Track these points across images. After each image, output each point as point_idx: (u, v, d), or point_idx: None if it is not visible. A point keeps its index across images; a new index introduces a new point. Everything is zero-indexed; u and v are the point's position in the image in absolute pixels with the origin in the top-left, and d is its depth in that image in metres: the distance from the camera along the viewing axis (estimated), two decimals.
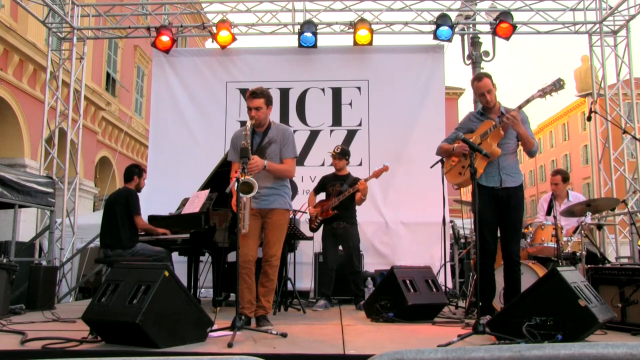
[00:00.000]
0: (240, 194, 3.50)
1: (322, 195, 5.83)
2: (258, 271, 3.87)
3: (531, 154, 4.08)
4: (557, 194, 5.54)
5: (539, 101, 3.97)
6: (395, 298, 4.20)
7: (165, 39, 6.88)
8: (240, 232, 3.62)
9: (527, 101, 3.99)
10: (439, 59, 7.24)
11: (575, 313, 2.99)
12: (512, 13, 6.65)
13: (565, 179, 5.64)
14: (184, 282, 4.54)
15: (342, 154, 5.72)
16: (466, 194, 6.50)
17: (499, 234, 4.13)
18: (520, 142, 4.11)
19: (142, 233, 5.17)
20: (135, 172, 5.26)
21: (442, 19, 6.71)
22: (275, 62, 7.32)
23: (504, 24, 6.58)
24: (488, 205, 4.01)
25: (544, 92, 3.87)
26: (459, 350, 1.55)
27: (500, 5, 6.87)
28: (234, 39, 6.89)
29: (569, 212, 4.93)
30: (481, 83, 4.11)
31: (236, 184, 3.50)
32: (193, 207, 4.97)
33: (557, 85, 3.81)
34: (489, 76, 4.13)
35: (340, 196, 5.47)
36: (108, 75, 14.40)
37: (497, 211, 4.05)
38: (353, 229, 5.60)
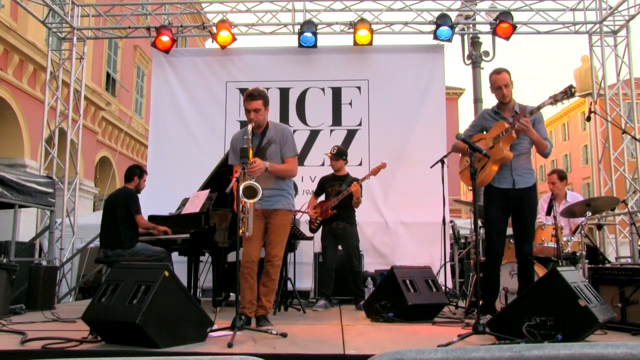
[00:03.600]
0: (245, 199, 3.49)
1: (322, 198, 5.82)
2: (259, 271, 3.87)
3: (545, 155, 4.09)
4: (556, 193, 5.53)
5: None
6: (395, 298, 4.20)
7: (165, 39, 6.88)
8: (244, 236, 3.62)
9: (539, 108, 3.98)
10: (439, 58, 7.24)
11: (575, 313, 2.99)
12: (512, 13, 6.65)
13: (562, 177, 5.59)
14: (184, 282, 4.54)
15: (339, 155, 5.70)
16: (466, 194, 6.48)
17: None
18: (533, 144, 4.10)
19: (143, 233, 5.17)
20: (136, 172, 5.28)
21: (442, 19, 6.71)
22: (275, 62, 7.32)
23: (504, 24, 6.58)
24: (499, 206, 4.02)
25: (555, 100, 3.83)
26: (459, 350, 1.55)
27: (500, 5, 6.87)
28: (234, 39, 6.89)
29: (569, 212, 4.93)
30: (500, 76, 4.09)
31: (236, 183, 3.50)
32: (193, 207, 4.97)
33: (569, 92, 3.75)
34: (508, 71, 4.13)
35: (340, 196, 5.46)
36: (108, 75, 14.40)
37: (509, 211, 4.06)
38: (352, 229, 5.59)
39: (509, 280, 4.44)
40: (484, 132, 4.18)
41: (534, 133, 3.96)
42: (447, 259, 5.78)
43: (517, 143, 4.04)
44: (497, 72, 4.14)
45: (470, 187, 4.42)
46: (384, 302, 4.25)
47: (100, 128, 13.69)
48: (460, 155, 4.33)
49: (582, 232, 4.72)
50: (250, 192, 3.48)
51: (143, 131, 15.80)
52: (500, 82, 4.09)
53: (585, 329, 3.03)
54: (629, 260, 6.41)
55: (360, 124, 7.14)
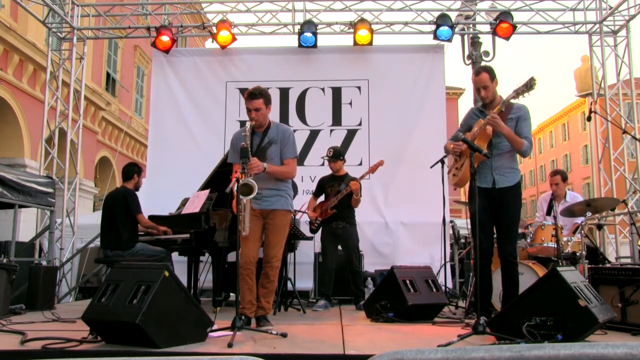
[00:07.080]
0: (240, 196, 3.49)
1: (322, 198, 5.81)
2: (259, 271, 3.87)
3: (522, 154, 3.97)
4: (557, 194, 5.53)
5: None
6: (395, 298, 4.20)
7: (165, 39, 6.88)
8: (241, 234, 3.62)
9: (503, 103, 3.90)
10: (439, 58, 7.23)
11: (575, 313, 2.99)
12: (512, 13, 6.66)
13: (565, 178, 5.62)
14: (184, 282, 4.54)
15: (335, 157, 5.67)
16: (466, 194, 6.48)
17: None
18: None
19: (142, 233, 5.16)
20: (135, 170, 5.26)
21: (442, 19, 6.71)
22: (275, 62, 7.32)
23: (504, 24, 6.58)
24: (482, 205, 3.95)
25: (517, 93, 3.79)
26: (459, 350, 1.55)
27: (500, 5, 6.88)
28: (234, 39, 6.89)
29: (569, 212, 4.93)
30: (477, 77, 4.01)
31: (236, 184, 3.50)
32: (193, 207, 4.97)
33: (529, 85, 3.72)
34: (488, 70, 4.02)
35: (339, 195, 5.46)
36: (108, 75, 14.40)
37: (493, 211, 3.97)
38: (352, 229, 5.59)
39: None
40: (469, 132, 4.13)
41: (504, 127, 3.83)
42: (447, 259, 5.78)
43: (499, 142, 3.93)
44: (476, 73, 4.05)
45: (453, 186, 4.41)
46: (384, 302, 4.25)
47: (100, 128, 13.69)
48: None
49: (582, 232, 4.72)
50: (246, 190, 3.48)
51: (143, 131, 15.81)
52: (479, 84, 3.99)
53: (585, 329, 3.03)
54: (629, 260, 6.42)
55: (360, 124, 7.14)
